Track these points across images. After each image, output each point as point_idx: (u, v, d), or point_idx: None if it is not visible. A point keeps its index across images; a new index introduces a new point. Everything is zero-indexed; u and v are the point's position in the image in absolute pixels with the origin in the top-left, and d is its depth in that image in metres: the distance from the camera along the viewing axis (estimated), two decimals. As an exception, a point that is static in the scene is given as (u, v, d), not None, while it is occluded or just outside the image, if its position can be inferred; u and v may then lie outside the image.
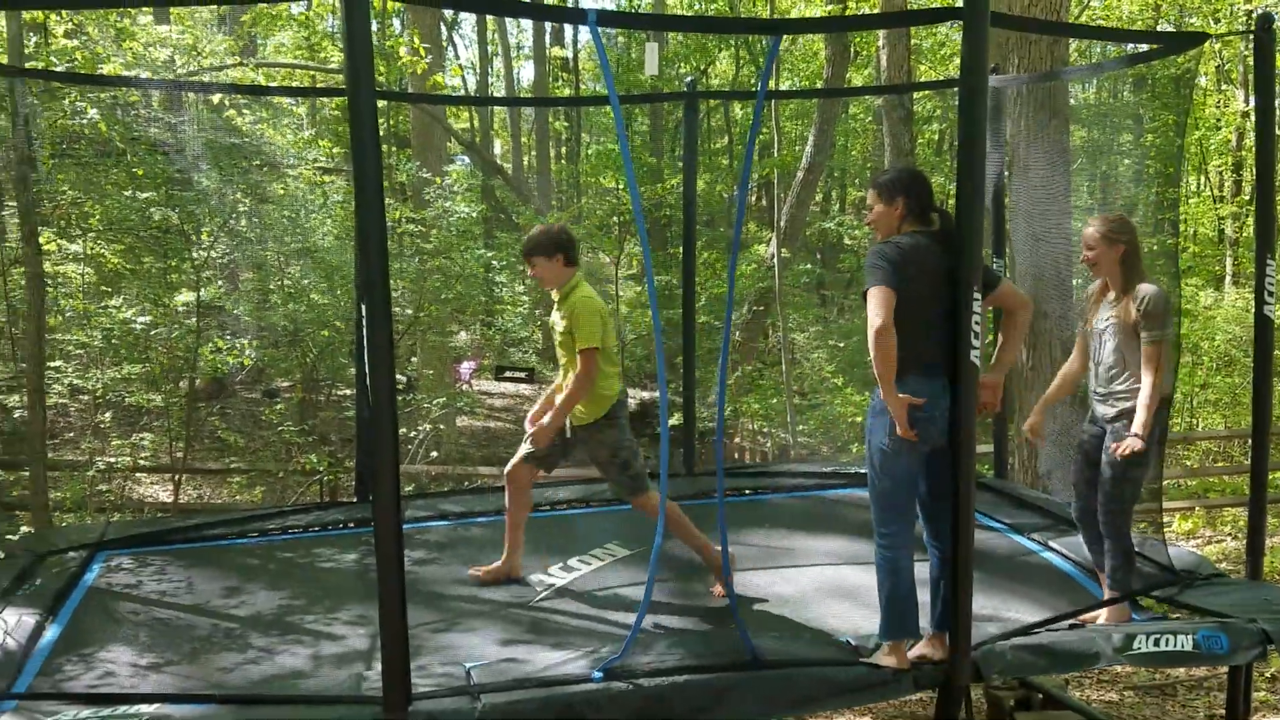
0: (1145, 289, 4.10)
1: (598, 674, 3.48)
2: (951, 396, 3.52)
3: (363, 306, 3.05)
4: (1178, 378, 4.32)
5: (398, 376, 3.45)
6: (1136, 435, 4.07)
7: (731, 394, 11.89)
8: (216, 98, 8.59)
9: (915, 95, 13.05)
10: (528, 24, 23.99)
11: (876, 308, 3.46)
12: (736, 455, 12.56)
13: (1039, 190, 7.10)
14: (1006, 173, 6.82)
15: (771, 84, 12.12)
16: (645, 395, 15.64)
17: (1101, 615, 4.20)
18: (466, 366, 16.27)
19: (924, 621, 3.74)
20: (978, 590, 3.60)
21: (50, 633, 4.15)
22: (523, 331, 19.66)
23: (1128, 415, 4.12)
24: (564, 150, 26.95)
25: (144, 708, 3.34)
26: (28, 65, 7.43)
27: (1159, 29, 14.99)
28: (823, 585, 4.72)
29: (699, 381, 6.89)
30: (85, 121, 7.77)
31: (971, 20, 3.31)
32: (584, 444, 4.73)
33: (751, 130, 3.61)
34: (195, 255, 8.65)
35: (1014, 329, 3.87)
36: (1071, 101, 7.88)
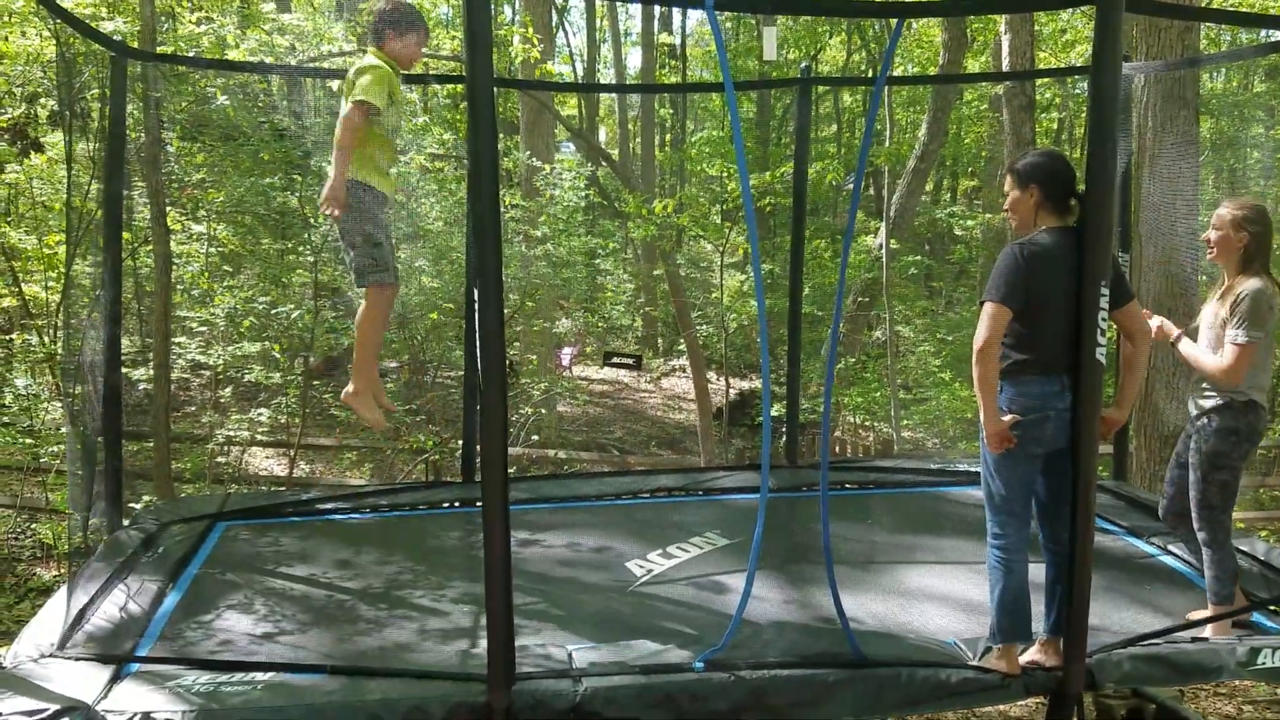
0: (1247, 284, 3.84)
1: (698, 664, 3.47)
2: (1073, 396, 3.40)
3: (475, 290, 3.09)
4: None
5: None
6: (1178, 333, 4.01)
7: (835, 386, 11.73)
8: (335, 84, 8.79)
9: (1036, 82, 12.63)
10: (636, 11, 23.97)
11: (986, 324, 3.39)
12: (837, 449, 12.39)
13: (1166, 183, 6.83)
14: (1133, 164, 6.57)
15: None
16: (746, 385, 15.57)
17: (1206, 630, 3.98)
18: (567, 353, 16.43)
19: (1036, 626, 3.63)
20: (1094, 595, 3.48)
21: (170, 599, 4.32)
22: (624, 320, 19.74)
23: (1212, 414, 3.92)
24: (668, 138, 26.95)
25: (259, 675, 3.46)
26: (159, 51, 7.73)
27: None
28: (930, 585, 4.62)
29: (801, 373, 6.81)
30: (213, 107, 8.06)
31: (1105, 4, 3.17)
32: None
33: (869, 117, 3.54)
34: (312, 238, 8.91)
35: (1138, 360, 3.74)
36: (1200, 91, 7.54)
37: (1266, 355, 3.91)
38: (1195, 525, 4.04)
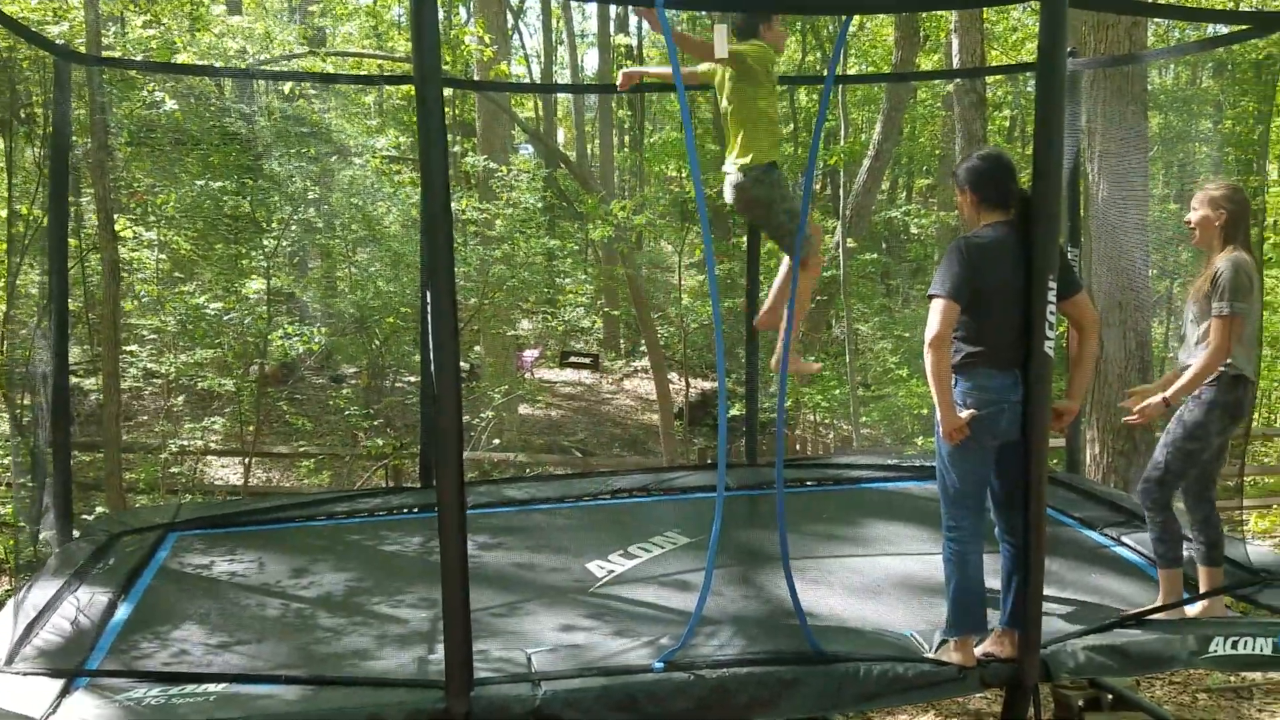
0: (1224, 259, 3.90)
1: (658, 664, 3.46)
2: (1024, 389, 3.44)
3: (428, 293, 3.07)
4: (1260, 368, 4.10)
5: (461, 364, 3.47)
6: (1163, 397, 3.95)
7: (793, 385, 11.79)
8: (287, 87, 8.71)
9: (987, 80, 12.78)
10: (592, 11, 23.99)
11: (935, 319, 3.42)
12: (797, 447, 12.46)
13: (1115, 178, 6.92)
14: (1082, 160, 6.65)
15: (839, 69, 11.88)
16: (707, 385, 15.61)
17: (1195, 608, 4.02)
18: (529, 355, 16.37)
19: (992, 618, 3.66)
20: (1048, 586, 3.52)
21: (122, 611, 4.25)
22: (585, 321, 19.70)
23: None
24: (627, 139, 26.94)
25: (212, 687, 3.40)
26: (105, 55, 7.60)
27: (1242, 10, 14.48)
28: (886, 578, 4.65)
29: (760, 371, 6.81)
30: (162, 111, 7.94)
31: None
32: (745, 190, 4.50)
33: (819, 117, 3.55)
34: (265, 243, 8.80)
35: (1086, 351, 3.77)
36: (1149, 87, 7.65)
37: (1252, 329, 3.95)
38: (1140, 486, 4.09)
